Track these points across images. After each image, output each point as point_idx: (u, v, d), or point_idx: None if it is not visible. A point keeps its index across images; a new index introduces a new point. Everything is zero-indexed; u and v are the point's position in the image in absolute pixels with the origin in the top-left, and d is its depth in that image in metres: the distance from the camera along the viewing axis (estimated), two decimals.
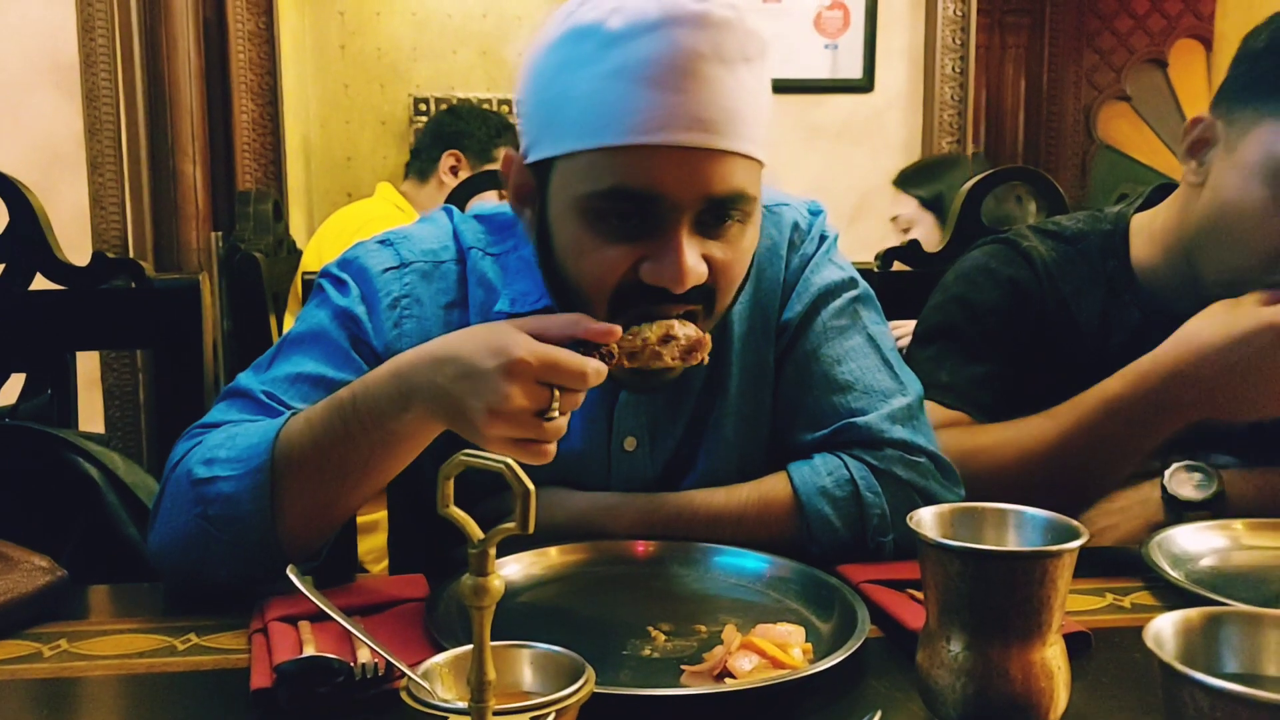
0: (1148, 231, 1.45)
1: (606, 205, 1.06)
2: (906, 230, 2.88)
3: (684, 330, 1.05)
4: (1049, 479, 1.26)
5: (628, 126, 1.03)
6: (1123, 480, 1.33)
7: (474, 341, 0.99)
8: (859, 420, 1.20)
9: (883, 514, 1.16)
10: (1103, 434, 1.26)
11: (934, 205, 2.88)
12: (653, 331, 1.04)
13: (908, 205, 2.94)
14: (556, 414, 0.96)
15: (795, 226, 1.29)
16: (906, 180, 2.99)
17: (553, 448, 0.98)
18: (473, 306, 1.23)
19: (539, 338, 0.98)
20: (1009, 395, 1.41)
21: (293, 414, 1.09)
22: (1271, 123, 1.27)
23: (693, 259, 1.05)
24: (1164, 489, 1.31)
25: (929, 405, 1.37)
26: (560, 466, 1.06)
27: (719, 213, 1.07)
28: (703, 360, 1.05)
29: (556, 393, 0.96)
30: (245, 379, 1.18)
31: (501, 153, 3.08)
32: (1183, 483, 1.31)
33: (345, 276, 1.23)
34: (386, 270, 1.22)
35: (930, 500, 1.15)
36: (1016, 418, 1.36)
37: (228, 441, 1.08)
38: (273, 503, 1.05)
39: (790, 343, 1.26)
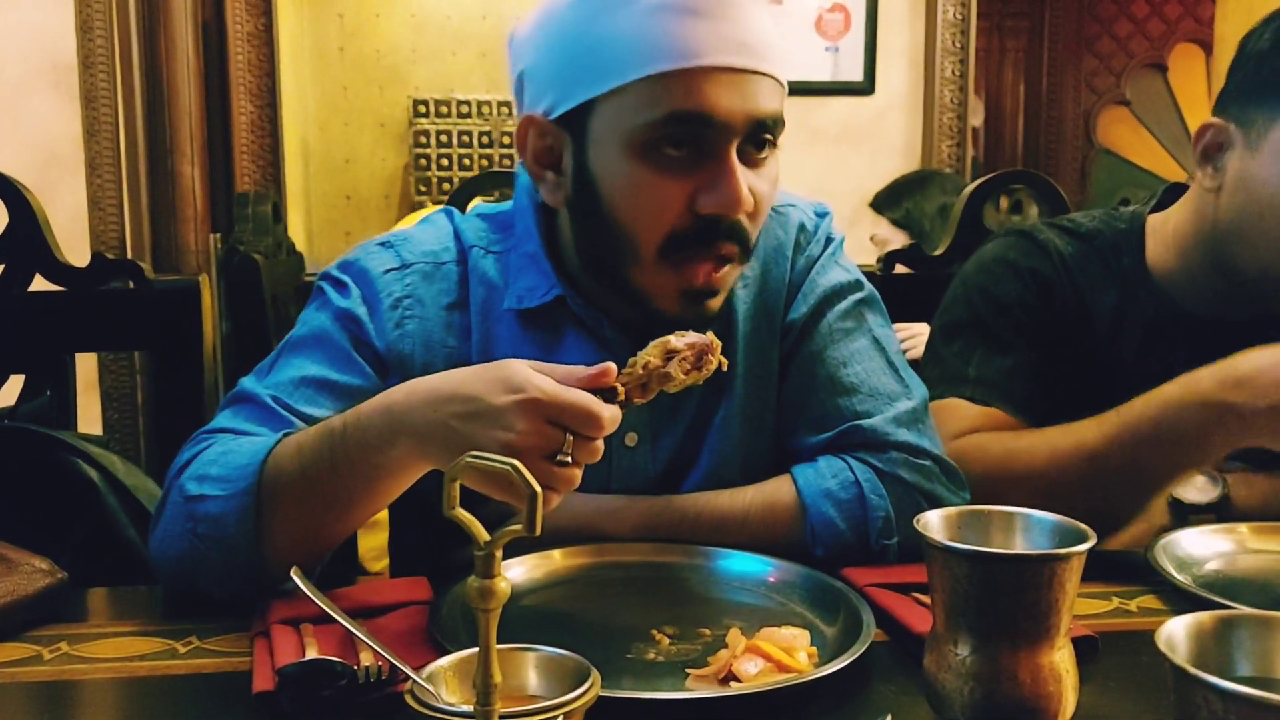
0: (1161, 232, 1.44)
1: (660, 134, 1.08)
2: (882, 248, 2.98)
3: (683, 340, 0.99)
4: (1084, 491, 1.20)
5: (678, 52, 1.06)
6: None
7: (481, 379, 0.96)
8: (864, 423, 1.20)
9: (887, 517, 1.15)
10: (1143, 449, 1.20)
11: (904, 225, 3.01)
12: (651, 354, 0.99)
13: (882, 224, 3.08)
14: (569, 459, 0.92)
15: (801, 228, 1.30)
16: (880, 203, 3.11)
17: (559, 497, 0.95)
18: (474, 306, 1.22)
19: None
20: (1038, 388, 1.39)
21: (286, 435, 1.07)
22: None
23: (744, 184, 1.09)
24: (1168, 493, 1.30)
25: (957, 403, 1.36)
26: None
27: (758, 138, 1.11)
28: (721, 364, 1.00)
29: (570, 438, 0.93)
30: (249, 384, 1.17)
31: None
32: (1187, 486, 1.31)
33: (345, 279, 1.22)
34: (387, 271, 1.22)
35: (935, 503, 1.15)
36: (1044, 413, 1.35)
37: (220, 459, 1.07)
38: (259, 526, 1.03)
39: (795, 344, 1.26)
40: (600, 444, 0.95)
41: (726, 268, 1.14)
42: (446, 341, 1.21)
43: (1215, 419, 1.15)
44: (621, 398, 0.96)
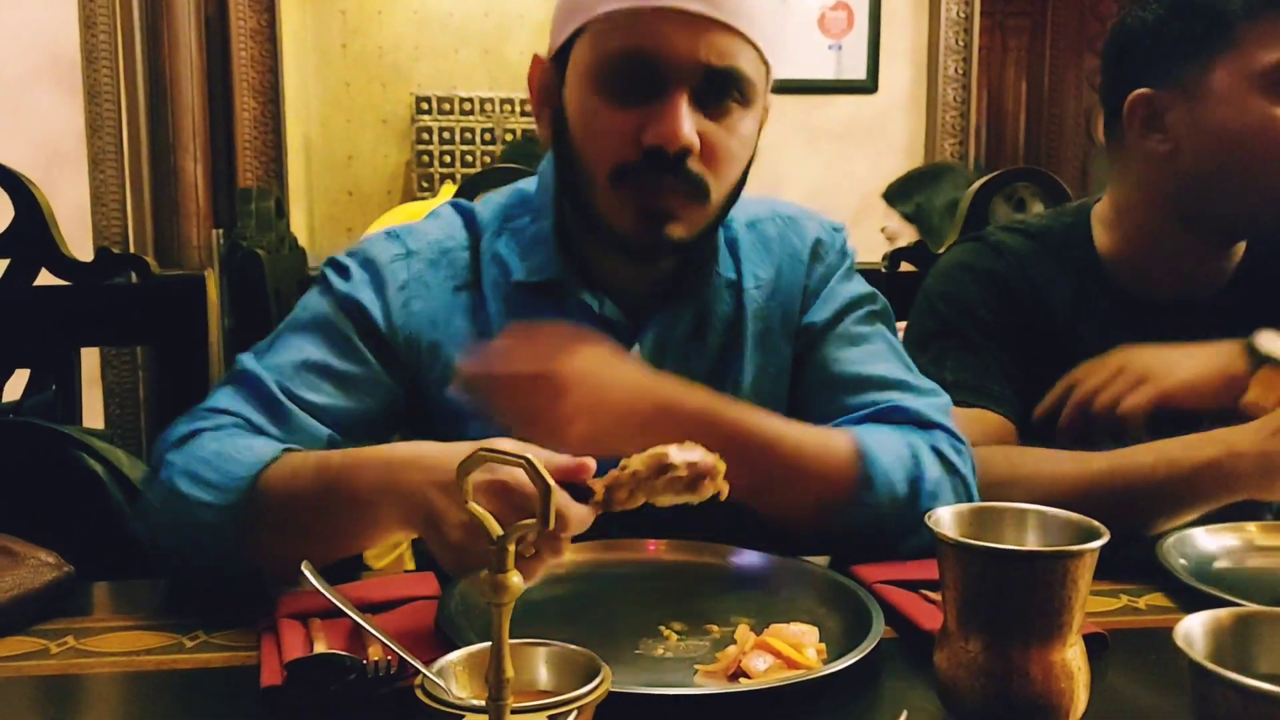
0: (1108, 220, 1.49)
1: (611, 68, 1.12)
2: (892, 241, 2.97)
3: (682, 456, 0.88)
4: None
5: None
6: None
7: (461, 454, 0.92)
8: (907, 404, 1.20)
9: (936, 482, 1.14)
10: (1131, 499, 1.21)
11: (914, 218, 3.00)
12: (642, 462, 0.88)
13: (893, 217, 3.07)
14: (531, 551, 0.86)
15: (819, 241, 1.31)
16: (892, 195, 3.10)
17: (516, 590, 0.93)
18: (487, 285, 1.24)
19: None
20: (1013, 385, 1.41)
21: (286, 450, 1.05)
22: (1223, 63, 1.34)
23: (688, 125, 1.10)
24: (1250, 345, 1.30)
25: None
26: None
27: (717, 90, 1.12)
28: (720, 492, 0.90)
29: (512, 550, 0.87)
30: (250, 363, 1.16)
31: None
32: (1273, 339, 1.30)
33: (350, 264, 1.22)
34: (394, 259, 1.23)
35: (967, 490, 1.16)
36: (1022, 407, 1.38)
37: (216, 459, 1.04)
38: (245, 541, 1.02)
39: (815, 346, 1.27)
40: (566, 540, 0.89)
41: (686, 203, 1.14)
42: (452, 322, 1.22)
43: (1212, 477, 1.18)
44: (599, 498, 0.89)
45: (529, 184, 1.31)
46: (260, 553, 1.02)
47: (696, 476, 0.88)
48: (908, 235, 2.96)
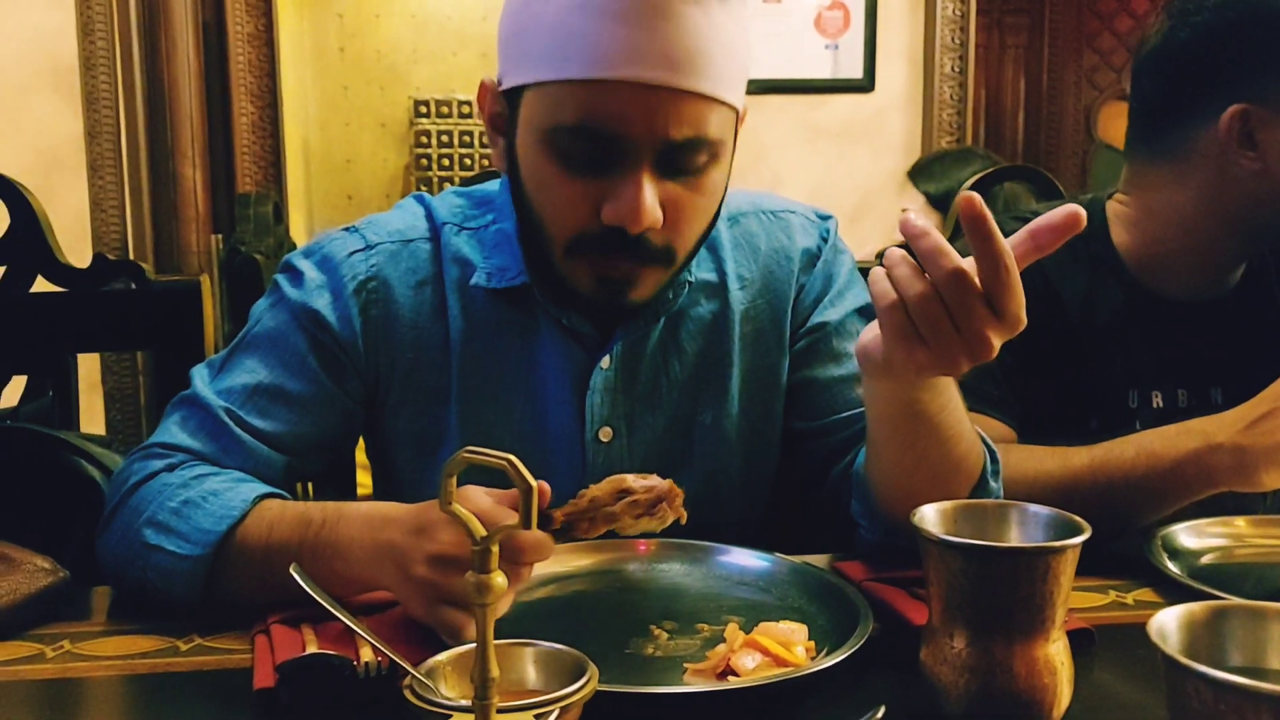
0: (1129, 217, 1.45)
1: (565, 140, 1.06)
2: None
3: (641, 483, 0.93)
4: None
5: (592, 60, 1.02)
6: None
7: (425, 503, 0.96)
8: None
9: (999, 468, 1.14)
10: (1113, 494, 1.21)
11: (940, 203, 2.86)
12: (602, 489, 0.93)
13: (916, 200, 2.92)
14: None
15: (806, 233, 1.29)
16: (917, 174, 2.96)
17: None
18: (448, 283, 1.20)
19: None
20: (1010, 382, 1.40)
21: (260, 498, 1.04)
22: None
23: (650, 200, 1.04)
24: None
25: None
26: (531, 455, 1.03)
27: (681, 154, 1.06)
28: (680, 517, 0.95)
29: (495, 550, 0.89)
30: (200, 386, 1.15)
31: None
32: None
33: (303, 267, 1.19)
34: (352, 254, 1.19)
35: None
36: (1022, 403, 1.36)
37: (183, 510, 1.04)
38: (213, 587, 1.02)
39: (818, 345, 1.25)
40: (528, 570, 0.92)
41: (647, 269, 1.11)
42: (416, 323, 1.19)
43: (1192, 470, 1.17)
44: (557, 526, 0.92)
45: (490, 185, 1.27)
46: (229, 596, 1.03)
47: (654, 500, 0.93)
48: (933, 221, 2.85)
